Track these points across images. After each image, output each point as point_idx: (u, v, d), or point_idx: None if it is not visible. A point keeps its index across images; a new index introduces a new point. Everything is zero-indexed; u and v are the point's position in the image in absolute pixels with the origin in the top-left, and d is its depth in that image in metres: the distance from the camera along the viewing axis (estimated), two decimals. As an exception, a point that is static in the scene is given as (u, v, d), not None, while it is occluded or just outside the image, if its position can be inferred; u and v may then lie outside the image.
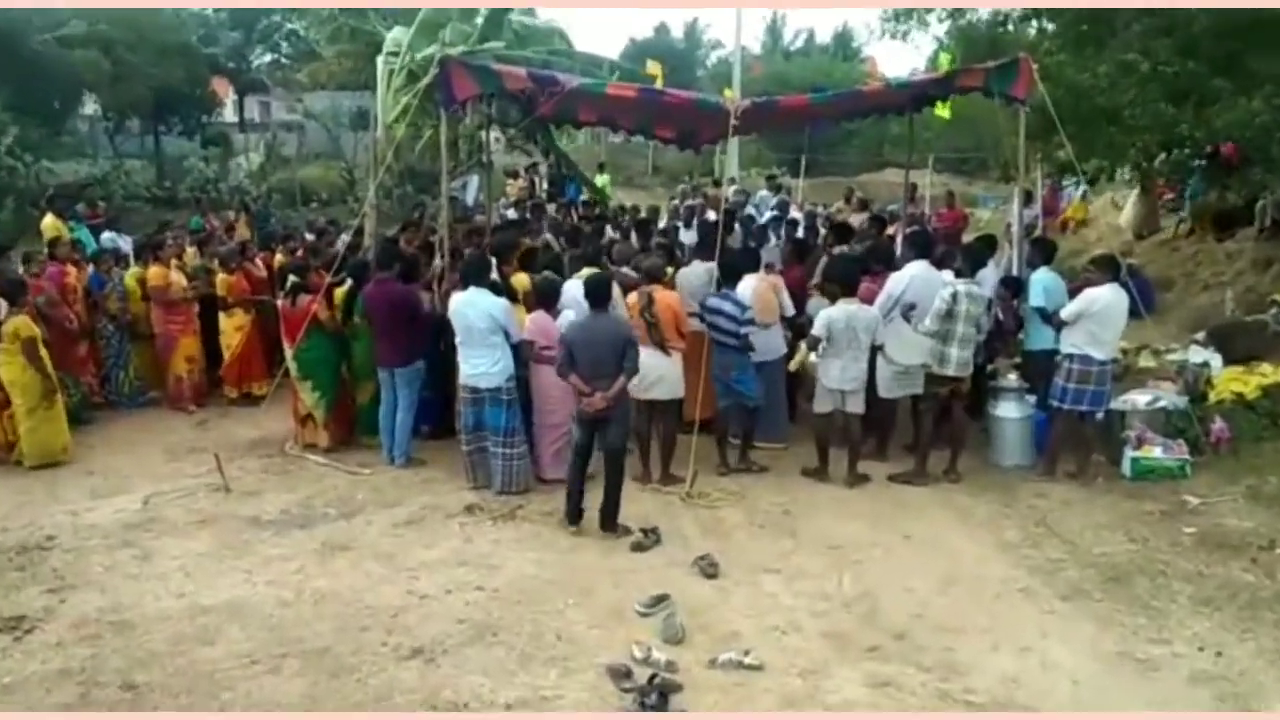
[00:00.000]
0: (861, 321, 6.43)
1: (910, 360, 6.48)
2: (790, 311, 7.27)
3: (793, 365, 6.96)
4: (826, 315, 6.29)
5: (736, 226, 9.93)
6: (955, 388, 6.40)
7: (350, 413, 7.39)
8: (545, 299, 6.35)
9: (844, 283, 6.56)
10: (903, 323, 6.41)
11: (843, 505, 6.15)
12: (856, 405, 6.42)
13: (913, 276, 6.58)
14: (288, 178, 18.31)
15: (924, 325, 6.30)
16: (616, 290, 6.11)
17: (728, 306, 6.44)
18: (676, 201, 14.07)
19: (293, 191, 18.01)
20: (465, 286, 6.38)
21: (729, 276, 6.60)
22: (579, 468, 5.64)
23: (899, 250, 7.41)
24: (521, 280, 6.96)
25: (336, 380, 7.37)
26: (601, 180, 16.71)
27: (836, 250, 8.07)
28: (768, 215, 12.10)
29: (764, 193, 15.57)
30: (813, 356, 6.51)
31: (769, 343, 6.83)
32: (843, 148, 26.91)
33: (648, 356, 6.04)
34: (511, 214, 12.63)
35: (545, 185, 16.32)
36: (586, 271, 6.52)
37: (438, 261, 7.41)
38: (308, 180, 18.72)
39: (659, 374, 6.32)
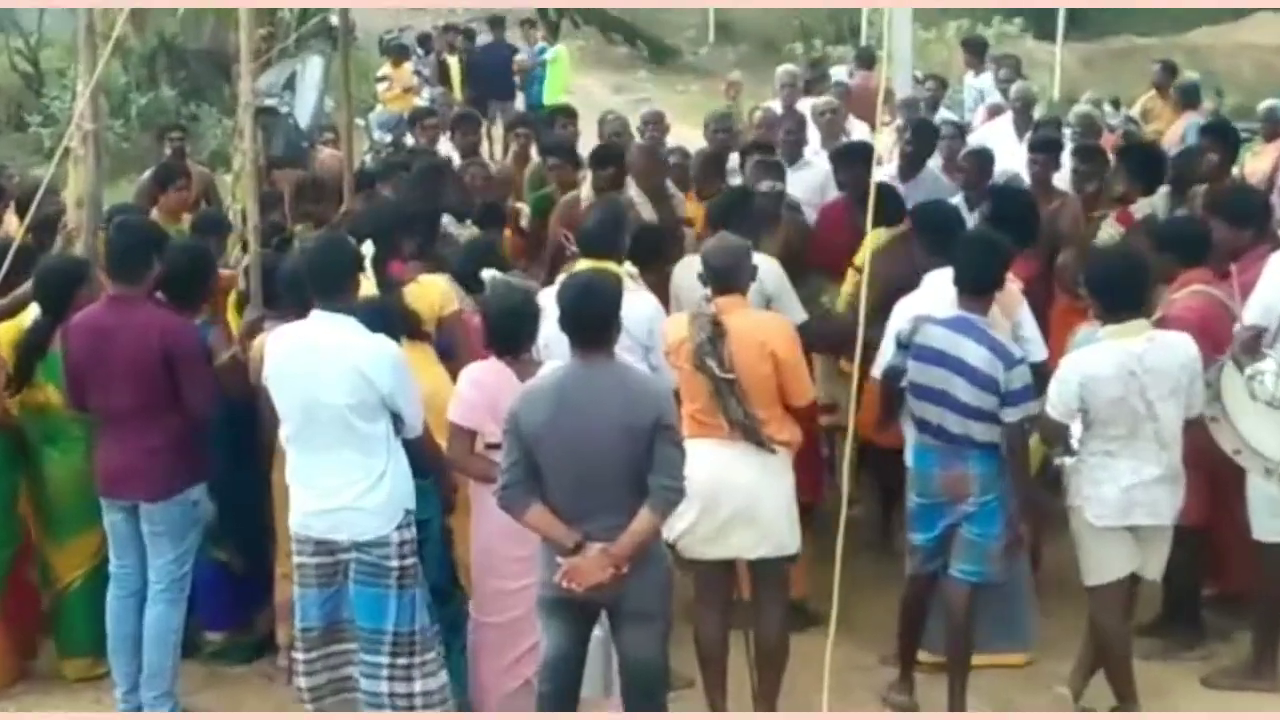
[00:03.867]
0: (1163, 370, 5.28)
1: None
2: (1038, 350, 5.96)
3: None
4: (1079, 368, 5.31)
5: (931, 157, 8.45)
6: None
7: (35, 608, 6.37)
8: (503, 332, 5.33)
9: (1124, 289, 5.39)
10: None
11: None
12: (1158, 564, 5.50)
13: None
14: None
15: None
16: (641, 306, 5.66)
17: (974, 352, 5.30)
18: (774, 105, 11.13)
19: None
20: (298, 313, 5.36)
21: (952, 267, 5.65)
22: (556, 708, 4.84)
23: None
24: (431, 293, 6.04)
25: (8, 536, 6.19)
26: (555, 61, 15.30)
27: (1128, 209, 7.01)
28: (979, 122, 11.09)
29: (976, 80, 13.30)
30: (1066, 459, 5.55)
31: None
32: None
33: (717, 460, 5.19)
34: (396, 139, 11.63)
35: (461, 80, 15.27)
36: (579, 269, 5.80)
37: (238, 256, 6.68)
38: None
39: (747, 502, 5.29)
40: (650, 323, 5.61)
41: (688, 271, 6.23)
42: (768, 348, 5.22)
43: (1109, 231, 6.85)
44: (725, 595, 5.47)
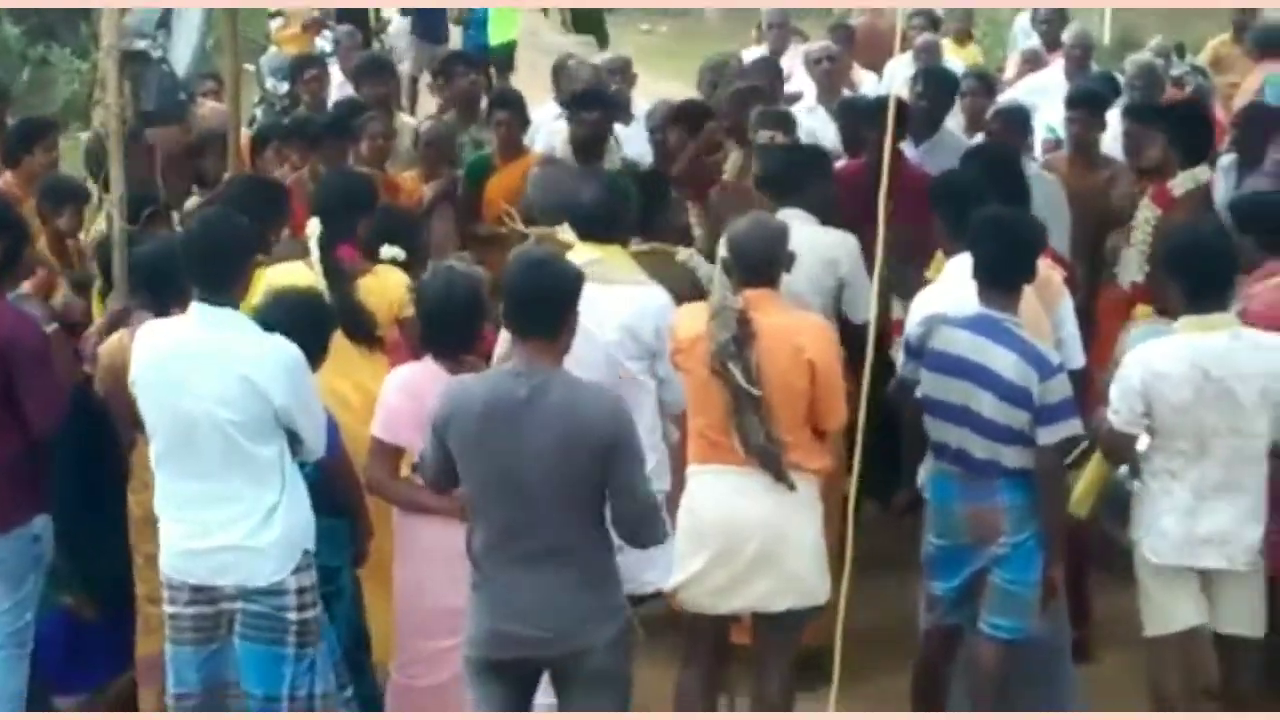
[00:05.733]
0: (1248, 375, 5.28)
1: None
2: (1075, 355, 6.02)
3: (1075, 498, 5.78)
4: (1144, 362, 5.32)
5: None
6: None
7: None
8: (441, 329, 5.47)
9: (1211, 272, 5.42)
10: None
11: None
12: (1239, 615, 5.48)
13: None
14: None
15: None
16: (648, 302, 5.77)
17: (1001, 358, 5.31)
18: (757, 51, 11.20)
19: None
20: (164, 308, 5.56)
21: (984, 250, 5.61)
22: None
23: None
24: (391, 288, 6.20)
25: None
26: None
27: (1165, 185, 6.99)
28: (1012, 72, 11.26)
29: (1022, 23, 12.96)
30: (1124, 472, 5.67)
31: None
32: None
33: (731, 492, 5.28)
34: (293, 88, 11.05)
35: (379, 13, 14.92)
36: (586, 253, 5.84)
37: (99, 232, 6.88)
38: None
39: (770, 545, 5.30)
40: (657, 320, 5.57)
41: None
42: (804, 355, 5.15)
43: (1145, 215, 6.88)
44: (719, 650, 5.44)
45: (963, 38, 12.36)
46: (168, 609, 5.13)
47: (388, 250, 6.15)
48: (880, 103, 7.47)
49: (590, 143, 7.71)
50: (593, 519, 4.65)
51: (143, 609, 5.72)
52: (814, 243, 6.25)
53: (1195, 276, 5.32)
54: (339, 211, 6.34)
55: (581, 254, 5.68)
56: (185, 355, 4.99)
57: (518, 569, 4.60)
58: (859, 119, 7.53)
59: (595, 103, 7.98)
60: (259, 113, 11.01)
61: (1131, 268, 6.95)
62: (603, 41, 16.32)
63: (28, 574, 5.63)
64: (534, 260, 4.98)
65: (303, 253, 6.13)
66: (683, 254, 6.18)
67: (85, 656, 6.22)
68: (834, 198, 6.39)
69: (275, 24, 14.66)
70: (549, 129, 8.88)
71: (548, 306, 4.68)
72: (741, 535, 5.19)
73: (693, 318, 5.33)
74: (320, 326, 5.52)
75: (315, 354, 5.38)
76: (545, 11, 19.39)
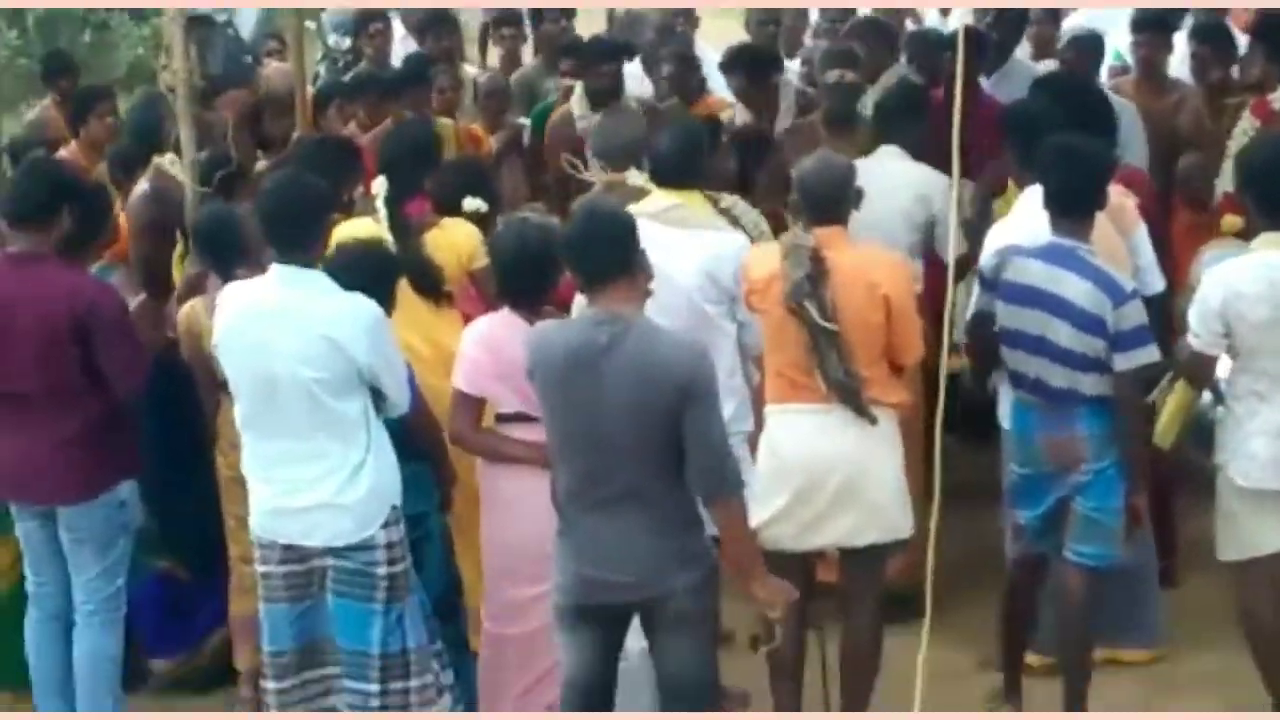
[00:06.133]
0: None
1: None
2: (1156, 280, 5.97)
3: (1160, 428, 5.69)
4: (1222, 282, 5.31)
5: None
6: None
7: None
8: (518, 280, 5.46)
9: (1270, 193, 5.38)
10: None
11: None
12: None
13: None
14: None
15: None
16: (728, 246, 5.72)
17: (1074, 286, 5.30)
18: None
19: None
20: (229, 271, 5.72)
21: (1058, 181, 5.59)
22: None
23: None
24: (459, 241, 6.15)
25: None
26: None
27: (1267, 99, 6.97)
28: None
29: None
30: (1208, 400, 5.57)
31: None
32: None
33: (812, 429, 5.31)
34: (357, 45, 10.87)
35: None
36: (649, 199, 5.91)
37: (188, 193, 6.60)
38: None
39: (853, 479, 5.36)
40: (736, 264, 5.55)
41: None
42: (880, 290, 5.17)
43: (1244, 126, 6.76)
44: (807, 587, 5.41)
45: None
46: (260, 568, 5.19)
47: (470, 203, 6.13)
48: (952, 35, 7.43)
49: (607, 94, 7.67)
50: (671, 465, 4.65)
51: (236, 569, 5.80)
52: (907, 179, 6.36)
53: (1271, 192, 5.30)
54: (404, 166, 6.32)
55: (659, 199, 5.71)
56: (267, 316, 5.01)
57: (599, 515, 4.62)
58: (931, 51, 7.44)
59: (612, 53, 7.90)
60: (322, 69, 10.94)
61: (1226, 179, 6.87)
62: None
63: (116, 539, 5.74)
64: (584, 210, 5.05)
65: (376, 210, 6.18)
66: (726, 200, 6.21)
67: (180, 619, 6.34)
68: (926, 133, 6.37)
69: None
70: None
71: (612, 247, 4.69)
72: (823, 471, 5.21)
73: (766, 258, 5.32)
74: (384, 277, 5.55)
75: (382, 304, 5.43)
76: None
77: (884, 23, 8.08)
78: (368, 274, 5.31)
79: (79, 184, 6.15)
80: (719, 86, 8.18)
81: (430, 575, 5.49)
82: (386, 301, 5.39)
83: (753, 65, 7.83)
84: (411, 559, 5.33)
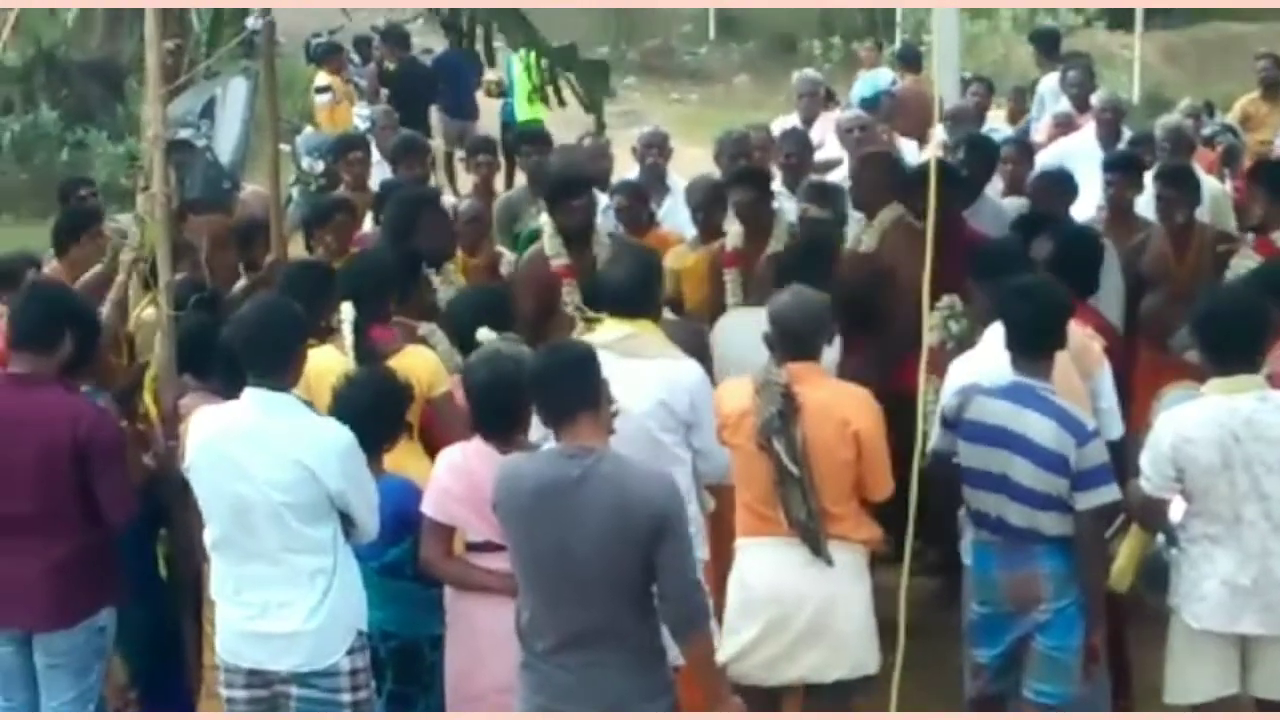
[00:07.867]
0: (1274, 438, 5.26)
1: None
2: (1114, 426, 5.94)
3: (1116, 571, 5.66)
4: (1172, 426, 5.30)
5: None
6: None
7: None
8: (491, 409, 5.39)
9: (1239, 334, 5.41)
10: None
11: None
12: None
13: None
14: None
15: None
16: (681, 375, 5.70)
17: (1037, 425, 5.30)
18: (788, 121, 11.10)
19: None
20: (220, 390, 5.69)
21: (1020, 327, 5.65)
22: None
23: None
24: (420, 369, 6.01)
25: None
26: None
27: (1270, 238, 7.22)
28: (1043, 136, 10.93)
29: (1044, 83, 12.68)
30: (1162, 541, 5.59)
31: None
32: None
33: (780, 564, 5.33)
34: (329, 167, 11.03)
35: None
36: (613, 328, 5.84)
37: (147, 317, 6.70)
38: None
39: (820, 615, 5.36)
40: (692, 394, 5.51)
41: (739, 328, 6.31)
42: (850, 428, 5.19)
43: (1247, 263, 6.82)
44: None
45: (1016, 115, 12.37)
46: (224, 693, 5.08)
47: (484, 334, 6.01)
48: (924, 168, 7.44)
49: (581, 230, 7.56)
50: (642, 597, 4.61)
51: (208, 675, 5.67)
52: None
53: (1223, 339, 5.29)
54: (370, 292, 6.32)
55: (612, 329, 5.69)
56: (240, 439, 5.00)
57: (566, 649, 4.58)
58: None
59: (581, 188, 7.81)
60: (294, 192, 10.92)
61: None
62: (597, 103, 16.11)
63: (92, 665, 5.66)
64: (547, 347, 5.04)
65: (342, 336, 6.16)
66: (658, 332, 5.98)
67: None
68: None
69: (323, 99, 14.44)
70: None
71: (578, 381, 4.68)
72: (792, 606, 5.18)
73: (739, 392, 5.32)
74: (400, 405, 5.53)
75: (396, 435, 5.41)
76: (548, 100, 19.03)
77: (830, 185, 8.05)
78: (385, 404, 5.34)
79: (81, 308, 6.14)
80: (684, 222, 8.15)
81: (435, 701, 5.43)
82: (397, 431, 5.42)
83: (761, 181, 7.77)
84: (426, 681, 5.35)
